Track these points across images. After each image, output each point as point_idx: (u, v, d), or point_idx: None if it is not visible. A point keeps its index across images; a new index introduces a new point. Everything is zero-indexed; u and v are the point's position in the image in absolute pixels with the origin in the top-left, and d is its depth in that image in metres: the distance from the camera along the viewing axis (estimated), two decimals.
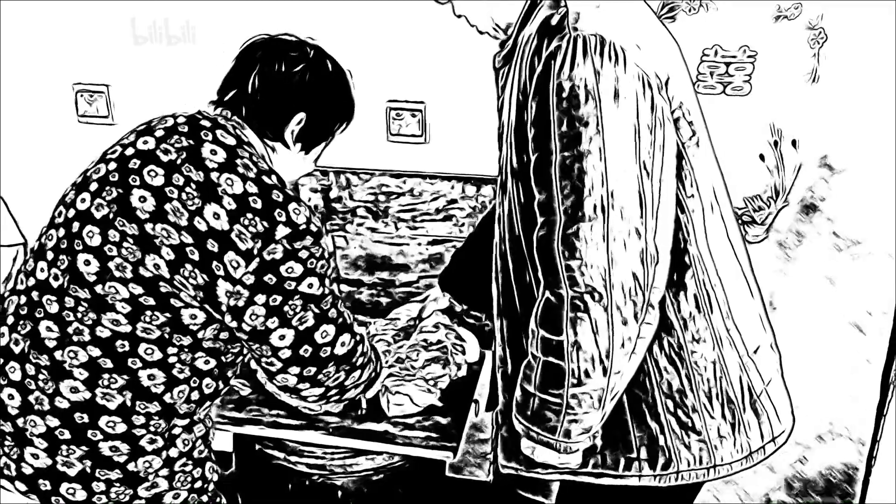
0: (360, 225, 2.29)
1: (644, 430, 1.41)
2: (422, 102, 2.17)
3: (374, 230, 2.29)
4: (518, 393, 1.38)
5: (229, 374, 1.53)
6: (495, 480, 2.15)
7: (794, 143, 2.05)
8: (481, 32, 1.47)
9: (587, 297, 1.25)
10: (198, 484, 1.53)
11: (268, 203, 1.36)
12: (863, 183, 2.05)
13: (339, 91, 1.55)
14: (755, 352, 1.46)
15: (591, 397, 1.30)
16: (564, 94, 1.22)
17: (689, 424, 1.41)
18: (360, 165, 2.24)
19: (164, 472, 1.47)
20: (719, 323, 1.39)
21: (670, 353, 1.38)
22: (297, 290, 1.39)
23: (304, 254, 1.38)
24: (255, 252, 1.35)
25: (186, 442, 1.49)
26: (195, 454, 1.52)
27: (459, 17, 1.46)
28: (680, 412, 1.40)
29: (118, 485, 1.44)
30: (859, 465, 2.28)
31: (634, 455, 1.42)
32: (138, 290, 1.37)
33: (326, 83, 1.51)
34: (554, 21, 1.28)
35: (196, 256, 1.35)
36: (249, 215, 1.35)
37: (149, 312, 1.38)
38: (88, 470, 1.42)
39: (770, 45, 1.98)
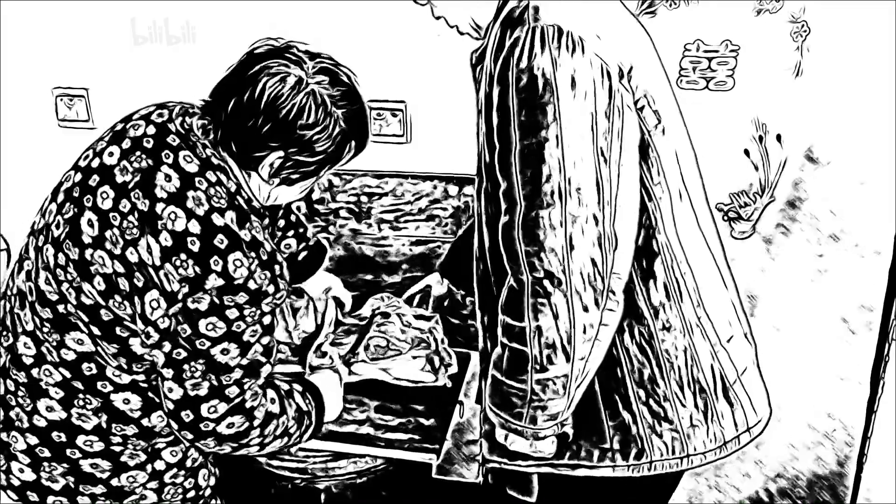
0: (342, 227, 2.28)
1: (617, 420, 1.42)
2: (402, 102, 2.15)
3: (357, 231, 2.28)
4: (489, 380, 1.40)
5: None
6: (485, 482, 2.15)
7: (778, 137, 2.03)
8: (461, 33, 1.49)
9: (546, 283, 1.27)
10: (191, 493, 1.51)
11: (206, 247, 1.26)
12: (849, 177, 2.03)
13: (340, 131, 1.35)
14: (728, 341, 1.46)
15: (555, 384, 1.32)
16: (523, 84, 1.25)
17: (661, 413, 1.42)
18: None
19: (153, 484, 1.45)
20: (689, 311, 1.40)
21: (641, 342, 1.39)
22: (207, 353, 1.29)
23: (232, 312, 1.28)
24: (180, 297, 1.27)
25: (175, 453, 1.47)
26: (188, 463, 1.49)
27: (438, 18, 1.47)
28: (652, 401, 1.42)
29: (103, 499, 1.43)
30: (850, 461, 2.26)
31: (608, 445, 1.43)
32: (85, 318, 1.32)
33: (321, 124, 1.33)
34: (516, 14, 1.31)
35: (126, 288, 1.29)
36: (183, 256, 1.26)
37: (100, 342, 1.34)
38: (72, 485, 1.41)
39: (752, 38, 1.96)
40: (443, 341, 1.91)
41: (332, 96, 1.33)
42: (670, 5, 1.96)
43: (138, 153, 1.32)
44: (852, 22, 1.91)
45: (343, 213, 2.27)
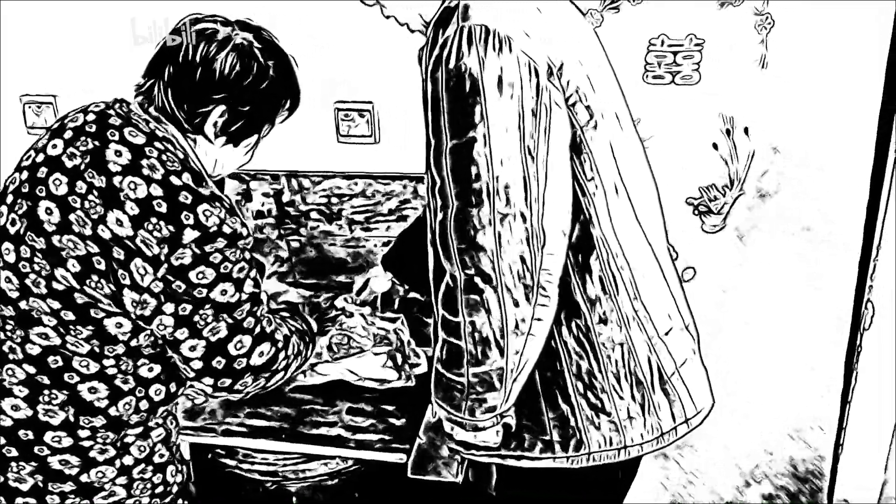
0: (313, 229, 2.28)
1: (556, 412, 1.45)
2: (370, 102, 2.15)
3: (328, 233, 2.28)
4: (433, 372, 1.43)
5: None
6: (465, 481, 2.15)
7: (746, 130, 2.03)
8: (412, 31, 1.49)
9: (478, 280, 1.30)
10: (159, 489, 1.51)
11: (173, 206, 1.31)
12: (817, 168, 2.03)
13: (273, 80, 1.43)
14: (666, 334, 1.48)
15: (491, 377, 1.35)
16: (452, 83, 1.27)
17: (599, 406, 1.44)
18: (311, 168, 2.22)
19: (122, 479, 1.46)
20: (626, 304, 1.42)
21: (579, 336, 1.42)
22: (208, 298, 1.34)
23: (216, 257, 1.33)
24: (163, 258, 1.31)
25: (142, 448, 1.47)
26: (155, 459, 1.50)
27: (388, 17, 1.49)
28: (590, 394, 1.44)
29: (73, 496, 1.43)
30: (826, 454, 2.26)
31: (548, 437, 1.45)
32: (56, 304, 1.35)
33: (254, 73, 1.40)
34: (448, 13, 1.33)
35: (102, 266, 1.32)
36: (154, 220, 1.30)
37: (72, 327, 1.35)
38: (41, 484, 1.41)
39: (717, 32, 1.96)
40: (409, 343, 1.91)
41: (259, 48, 1.41)
42: (633, 1, 1.96)
43: (83, 138, 1.35)
44: (816, 14, 1.91)
45: (314, 214, 2.27)
